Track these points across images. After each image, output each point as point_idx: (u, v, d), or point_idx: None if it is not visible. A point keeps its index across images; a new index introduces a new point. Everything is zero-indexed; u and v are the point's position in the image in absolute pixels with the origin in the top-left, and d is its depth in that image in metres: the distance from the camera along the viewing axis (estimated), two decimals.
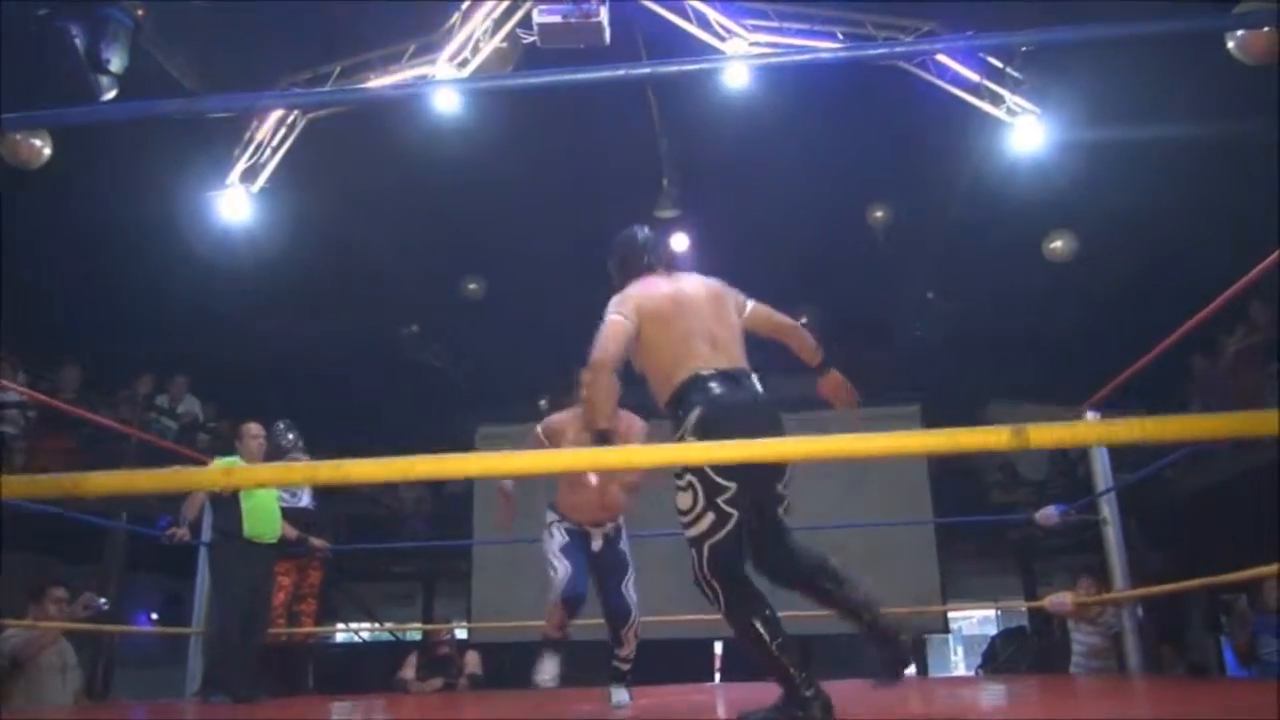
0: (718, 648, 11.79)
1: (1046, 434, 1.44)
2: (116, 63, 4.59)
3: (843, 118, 7.12)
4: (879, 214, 8.50)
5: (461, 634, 10.02)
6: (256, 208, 6.79)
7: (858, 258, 9.49)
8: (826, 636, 11.16)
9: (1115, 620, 5.70)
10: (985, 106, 6.19)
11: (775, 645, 2.82)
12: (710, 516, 3.11)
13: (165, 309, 8.32)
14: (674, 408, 3.03)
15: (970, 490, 11.89)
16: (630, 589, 4.37)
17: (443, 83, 5.89)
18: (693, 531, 3.14)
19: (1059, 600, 5.97)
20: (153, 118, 2.38)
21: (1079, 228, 8.01)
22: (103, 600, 6.01)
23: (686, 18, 5.44)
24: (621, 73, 2.27)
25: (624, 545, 4.44)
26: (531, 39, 5.29)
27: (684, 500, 3.18)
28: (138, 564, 9.04)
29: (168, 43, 5.41)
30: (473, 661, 7.15)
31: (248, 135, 6.38)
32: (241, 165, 6.50)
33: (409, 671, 6.96)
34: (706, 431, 2.92)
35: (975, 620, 15.01)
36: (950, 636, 14.46)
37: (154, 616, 11.44)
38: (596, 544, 4.35)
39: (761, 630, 2.88)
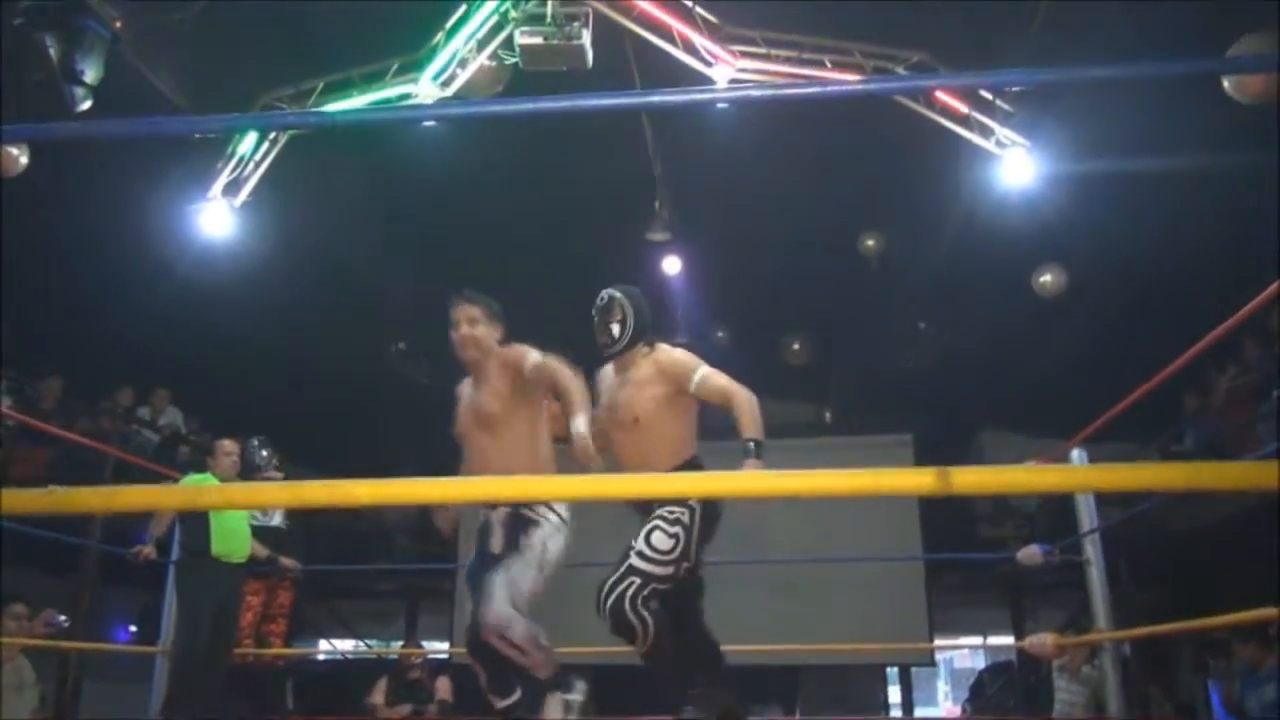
0: None
1: (971, 477, 1.36)
2: (92, 74, 4.53)
3: (834, 144, 7.08)
4: (870, 242, 8.45)
5: (443, 655, 9.91)
6: (240, 221, 6.73)
7: (849, 285, 9.44)
8: (815, 668, 11.15)
9: (1098, 674, 5.59)
10: (975, 139, 6.14)
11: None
12: (683, 565, 3.23)
13: (148, 321, 8.25)
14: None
15: (959, 521, 11.78)
16: None
17: (425, 109, 5.84)
18: (646, 567, 3.17)
19: (1039, 642, 5.88)
20: (130, 138, 2.32)
21: (1069, 261, 7.96)
22: (63, 618, 5.92)
23: (673, 43, 5.39)
24: (609, 102, 2.23)
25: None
26: (514, 60, 5.25)
27: (660, 539, 3.21)
28: (115, 576, 8.94)
29: (149, 55, 5.35)
30: (444, 687, 7.04)
31: (230, 148, 6.32)
32: (224, 179, 6.45)
33: (378, 696, 6.85)
34: (708, 515, 3.27)
35: (965, 652, 14.88)
36: (939, 669, 14.32)
37: (133, 629, 11.32)
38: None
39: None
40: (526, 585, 3.20)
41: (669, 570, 3.23)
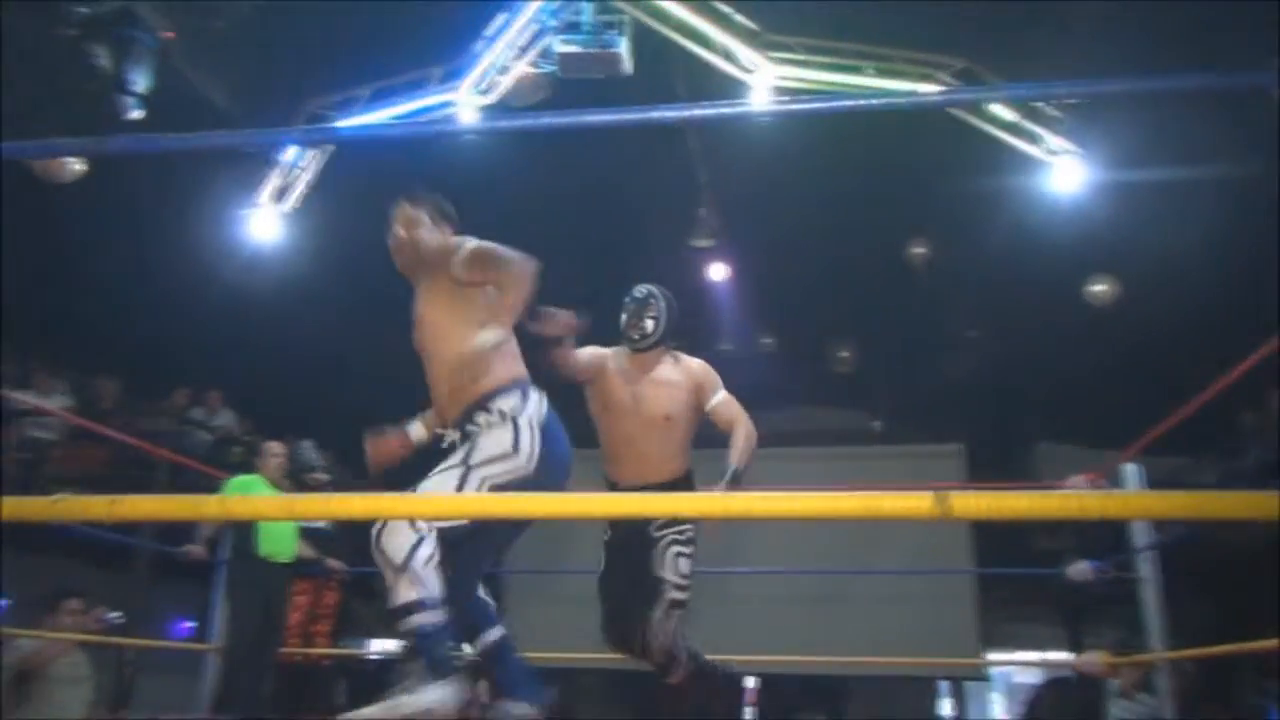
0: (750, 682, 11.59)
1: (970, 503, 1.32)
2: (141, 84, 4.65)
3: (881, 149, 6.99)
4: (919, 249, 8.33)
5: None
6: (289, 226, 6.85)
7: (896, 292, 9.32)
8: (864, 679, 11.00)
9: (1154, 702, 5.42)
10: (1023, 145, 6.02)
11: None
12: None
13: (204, 323, 8.43)
14: (685, 487, 3.41)
15: (1013, 532, 11.53)
16: None
17: (457, 128, 5.89)
18: (680, 596, 3.21)
19: (1089, 660, 5.72)
20: (178, 151, 2.37)
21: (1122, 269, 7.77)
22: (115, 614, 6.05)
23: (712, 49, 5.37)
24: (654, 115, 2.23)
25: None
26: (552, 69, 5.27)
27: (685, 565, 3.25)
28: (175, 573, 9.15)
29: (198, 64, 5.49)
30: (484, 690, 7.07)
31: (278, 154, 6.44)
32: (272, 184, 6.58)
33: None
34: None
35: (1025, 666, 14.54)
36: (993, 682, 14.03)
37: (191, 625, 11.56)
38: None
39: None
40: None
41: (690, 593, 3.31)
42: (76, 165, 5.54)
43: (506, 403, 2.70)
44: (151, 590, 8.87)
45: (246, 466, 6.33)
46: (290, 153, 6.38)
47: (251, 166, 6.49)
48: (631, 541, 3.31)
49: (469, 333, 2.75)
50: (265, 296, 7.92)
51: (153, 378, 9.32)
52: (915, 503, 1.35)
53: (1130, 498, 1.41)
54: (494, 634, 2.90)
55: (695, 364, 3.47)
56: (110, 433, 6.54)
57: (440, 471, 2.62)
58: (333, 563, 6.55)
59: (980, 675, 11.86)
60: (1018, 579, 11.17)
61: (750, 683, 11.55)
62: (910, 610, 10.45)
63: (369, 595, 10.18)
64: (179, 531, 6.42)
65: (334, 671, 9.78)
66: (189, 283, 7.93)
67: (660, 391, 3.39)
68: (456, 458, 2.66)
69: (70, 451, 8.71)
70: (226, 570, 5.82)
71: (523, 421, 2.69)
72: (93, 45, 4.46)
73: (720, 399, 3.40)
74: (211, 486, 5.66)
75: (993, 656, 11.54)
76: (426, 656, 2.58)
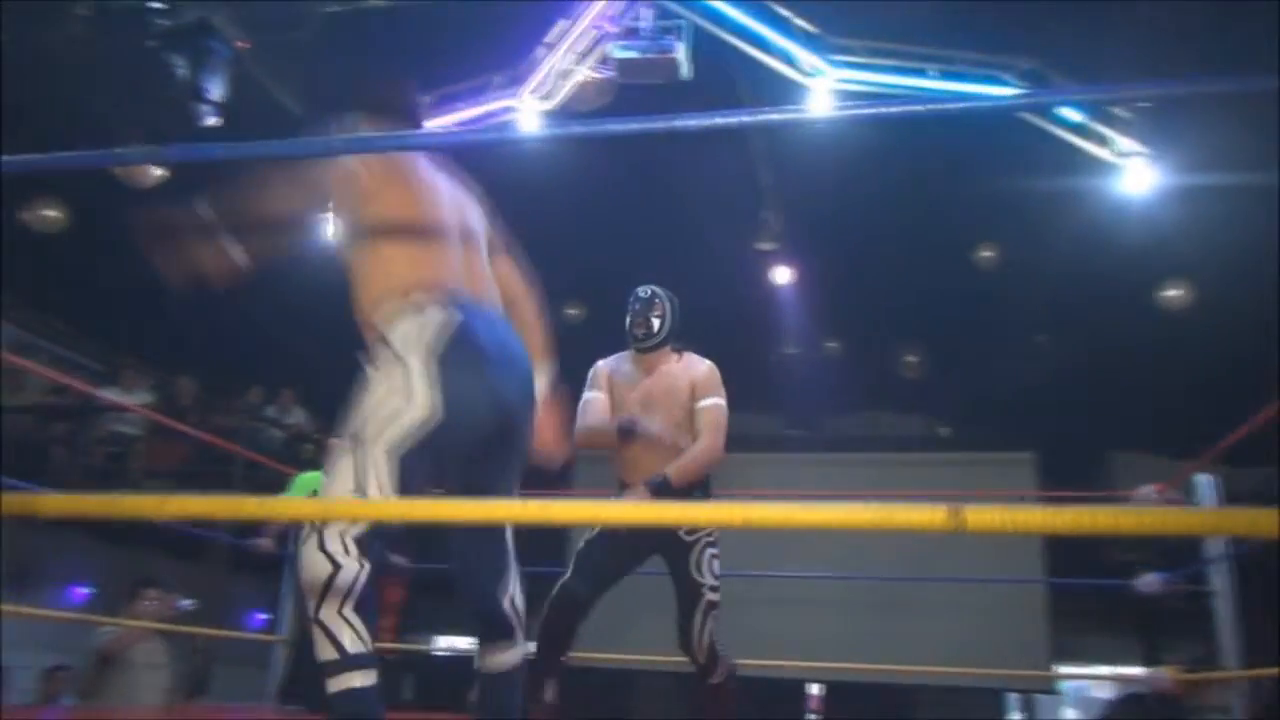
0: (814, 689, 11.52)
1: (984, 517, 1.30)
2: (217, 91, 4.84)
3: (946, 151, 6.92)
4: (985, 254, 8.20)
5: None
6: None
7: (964, 297, 9.18)
8: (929, 689, 10.85)
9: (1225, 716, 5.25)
10: (1091, 148, 5.89)
11: None
12: None
13: (276, 325, 8.69)
14: (701, 491, 3.33)
15: (1086, 542, 11.26)
16: None
17: (512, 136, 5.97)
18: (715, 597, 3.24)
19: (1157, 677, 5.57)
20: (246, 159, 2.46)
21: (1197, 273, 7.55)
22: (187, 601, 6.26)
23: (771, 53, 5.37)
24: (712, 121, 2.16)
25: None
26: (610, 74, 5.33)
27: (717, 566, 3.26)
28: (246, 564, 9.44)
29: (274, 73, 5.67)
30: (550, 690, 7.14)
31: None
32: None
33: (476, 695, 7.01)
34: None
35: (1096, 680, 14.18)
36: (1063, 697, 13.71)
37: (264, 617, 11.89)
38: None
39: None
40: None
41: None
42: (156, 170, 5.78)
43: (394, 332, 2.14)
44: (227, 582, 9.17)
45: (316, 463, 6.51)
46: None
47: None
48: (641, 544, 3.29)
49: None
50: (335, 298, 8.10)
51: (229, 377, 9.63)
52: (929, 515, 1.33)
53: (1144, 514, 1.38)
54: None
55: (700, 364, 3.43)
56: (189, 429, 6.78)
57: (335, 458, 2.08)
58: (397, 558, 6.69)
59: (1051, 688, 11.59)
60: (1092, 591, 10.92)
61: (815, 689, 11.49)
62: (979, 619, 10.30)
63: (434, 592, 10.37)
64: (253, 526, 6.63)
65: (400, 666, 9.99)
66: (263, 285, 8.16)
67: (667, 397, 3.36)
68: (345, 431, 2.11)
69: (153, 447, 9.05)
70: (294, 565, 5.97)
71: (411, 356, 2.09)
72: (172, 55, 4.65)
73: (709, 403, 3.32)
74: (284, 482, 5.82)
75: (1064, 670, 11.31)
76: None
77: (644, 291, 3.48)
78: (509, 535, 2.29)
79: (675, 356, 3.44)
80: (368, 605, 2.07)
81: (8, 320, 10.17)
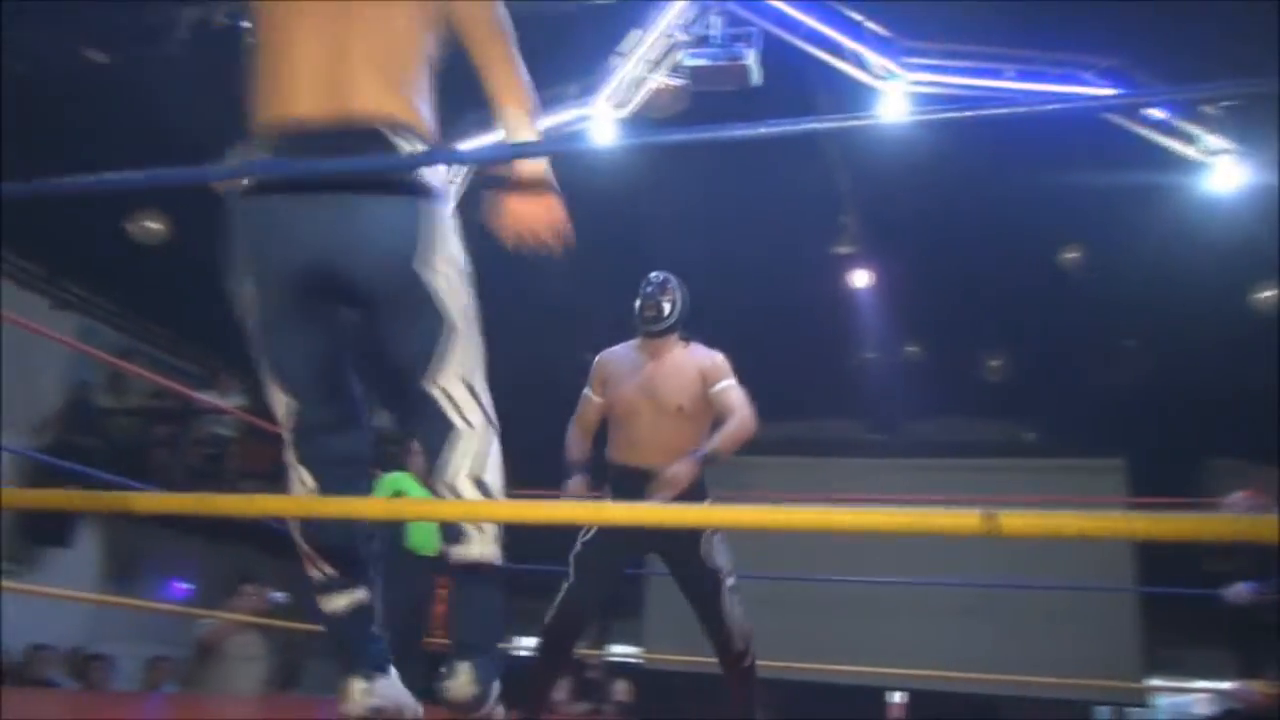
0: (895, 697, 11.38)
1: (1020, 521, 1.31)
2: None
3: (1026, 152, 6.81)
4: (1070, 256, 8.03)
5: (630, 660, 10.18)
6: None
7: (1049, 300, 9.00)
8: (1014, 700, 10.62)
9: None
10: (1177, 146, 5.74)
11: None
12: None
13: None
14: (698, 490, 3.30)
15: (1181, 551, 10.88)
16: None
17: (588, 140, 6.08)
18: (734, 581, 3.26)
19: (1245, 691, 5.39)
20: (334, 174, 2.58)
21: None
22: (280, 595, 6.50)
23: (843, 58, 5.38)
24: (788, 128, 2.10)
25: None
26: (683, 82, 5.40)
27: (726, 548, 3.30)
28: None
29: None
30: (623, 690, 7.27)
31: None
32: None
33: (560, 694, 7.16)
34: None
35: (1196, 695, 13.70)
36: (1157, 712, 13.29)
37: None
38: None
39: None
40: None
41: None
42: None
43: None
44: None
45: (400, 463, 6.71)
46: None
47: None
48: (644, 540, 3.31)
49: None
50: None
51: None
52: (963, 520, 1.34)
53: (1185, 521, 1.37)
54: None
55: (710, 353, 3.41)
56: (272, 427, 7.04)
57: None
58: None
59: (1143, 702, 11.25)
60: (1187, 603, 10.56)
61: (896, 697, 11.35)
62: (1067, 629, 10.07)
63: (510, 590, 10.54)
64: None
65: None
66: None
67: (672, 382, 3.34)
68: None
69: (247, 447, 9.42)
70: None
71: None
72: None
73: (726, 385, 3.30)
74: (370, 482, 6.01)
75: (1156, 683, 10.97)
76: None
77: (656, 276, 3.48)
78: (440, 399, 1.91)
79: (681, 345, 3.44)
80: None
81: (112, 327, 10.70)
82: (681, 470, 3.06)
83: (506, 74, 2.02)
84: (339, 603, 2.10)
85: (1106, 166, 6.49)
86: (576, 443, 3.52)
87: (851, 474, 11.41)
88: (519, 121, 1.99)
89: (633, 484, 3.28)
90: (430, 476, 1.93)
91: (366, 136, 1.82)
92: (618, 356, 3.51)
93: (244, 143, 1.93)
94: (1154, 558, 10.01)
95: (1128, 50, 5.39)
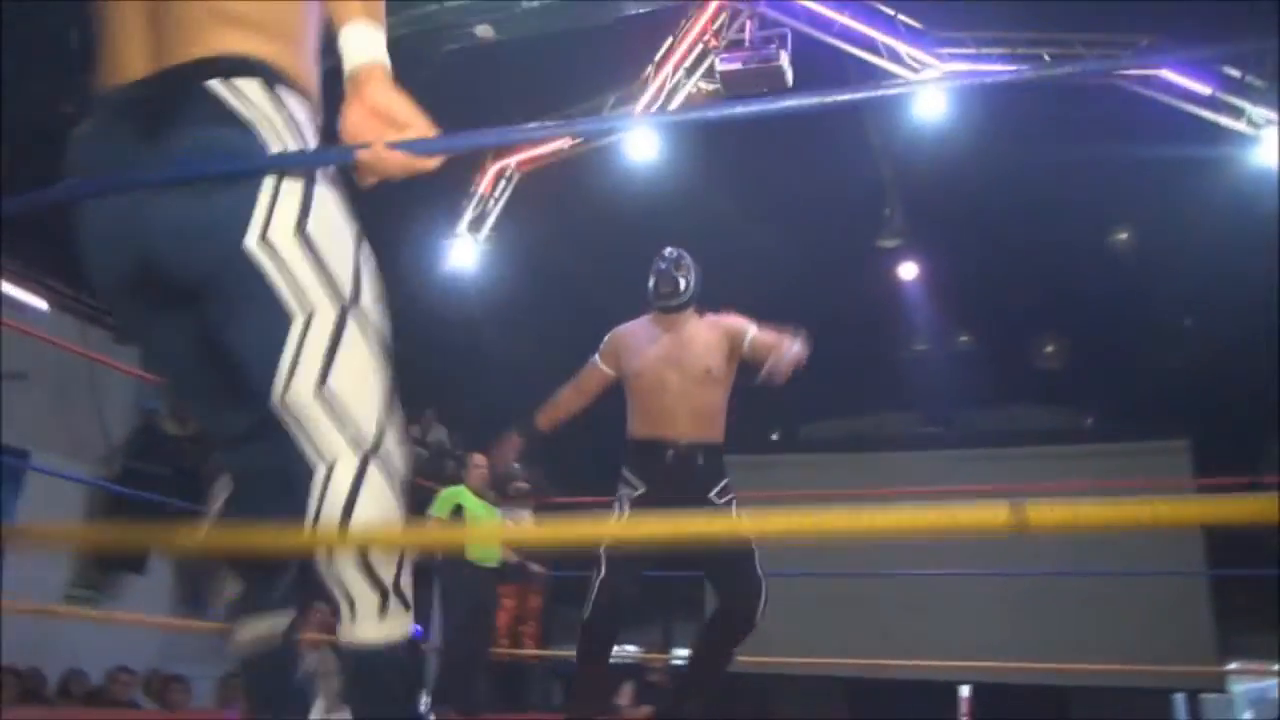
0: (964, 691, 11.27)
1: (1047, 513, 1.31)
2: None
3: (1070, 136, 6.73)
4: (1122, 237, 7.91)
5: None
6: (485, 252, 7.34)
7: (1102, 283, 8.86)
8: (1087, 690, 10.45)
9: None
10: (1223, 120, 5.63)
11: None
12: None
13: (417, 347, 9.09)
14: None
15: (1249, 534, 10.61)
16: None
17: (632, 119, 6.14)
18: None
19: None
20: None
21: None
22: None
23: (877, 53, 5.37)
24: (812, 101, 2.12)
25: None
26: (716, 88, 5.44)
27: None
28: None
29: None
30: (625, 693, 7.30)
31: (472, 188, 6.92)
32: (469, 215, 7.07)
33: (624, 698, 7.21)
34: None
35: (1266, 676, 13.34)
36: (1233, 697, 12.98)
37: (418, 627, 12.39)
38: None
39: None
40: None
41: None
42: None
43: None
44: None
45: (457, 478, 6.81)
46: (485, 184, 6.87)
47: (447, 198, 7.00)
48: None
49: None
50: (470, 320, 8.45)
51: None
52: (990, 514, 1.34)
53: (1209, 503, 1.37)
54: None
55: (720, 317, 3.39)
56: None
57: None
58: (535, 567, 6.93)
59: (1220, 687, 10.99)
60: (1261, 584, 10.32)
61: (964, 691, 11.22)
62: (1136, 614, 9.88)
63: (571, 600, 10.63)
64: None
65: (548, 673, 10.27)
66: (402, 311, 8.58)
67: (697, 347, 3.32)
68: None
69: None
70: (440, 574, 6.27)
71: None
72: None
73: (755, 332, 3.28)
74: (429, 497, 6.12)
75: (1234, 667, 10.72)
76: None
77: (671, 252, 3.45)
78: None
79: (697, 317, 3.42)
80: None
81: None
82: (796, 349, 3.07)
83: None
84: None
85: (1153, 144, 6.39)
86: (562, 404, 3.51)
87: (910, 467, 11.30)
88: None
89: (658, 458, 3.25)
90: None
91: (189, 84, 1.42)
92: (633, 331, 3.48)
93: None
94: (1225, 540, 9.80)
95: (1162, 27, 5.31)
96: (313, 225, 1.43)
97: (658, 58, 5.70)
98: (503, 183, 6.95)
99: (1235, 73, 5.42)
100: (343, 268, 1.46)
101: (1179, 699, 11.13)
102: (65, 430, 9.44)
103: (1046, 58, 5.44)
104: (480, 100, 6.30)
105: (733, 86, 5.26)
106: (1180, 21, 5.05)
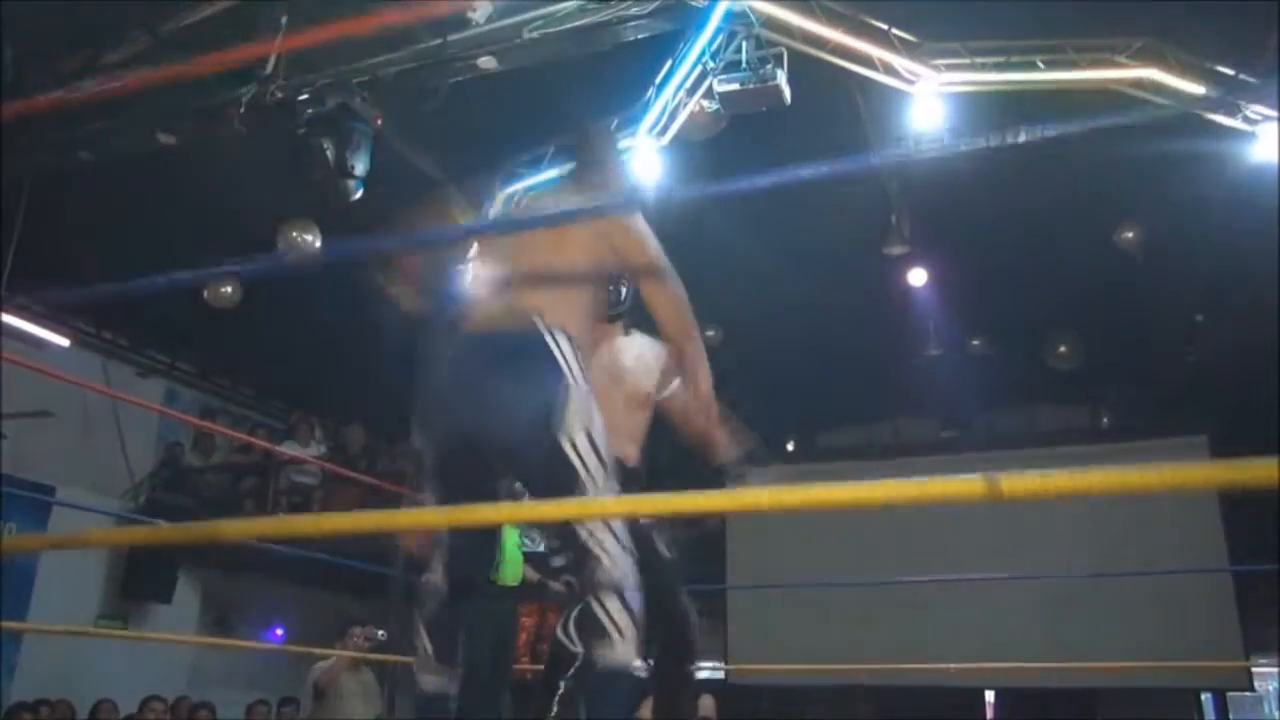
0: (989, 695, 11.25)
1: (1019, 484, 1.37)
2: (360, 167, 5.29)
3: (1073, 139, 6.75)
4: (1129, 235, 7.93)
5: (715, 675, 10.22)
6: None
7: (1112, 281, 8.87)
8: (1113, 691, 10.40)
9: None
10: (1219, 118, 5.67)
11: None
12: None
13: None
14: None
15: (1272, 524, 10.56)
16: None
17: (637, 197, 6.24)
18: None
19: None
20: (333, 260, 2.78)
21: None
22: (381, 633, 6.74)
23: (873, 67, 5.44)
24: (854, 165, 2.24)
25: None
26: (715, 108, 5.52)
27: None
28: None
29: (409, 139, 6.15)
30: (707, 705, 7.31)
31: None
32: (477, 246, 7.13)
33: (645, 711, 7.23)
34: None
35: None
36: (1270, 695, 12.86)
37: None
38: None
39: None
40: None
41: None
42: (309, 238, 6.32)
43: None
44: (409, 618, 9.71)
45: None
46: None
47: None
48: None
49: None
50: None
51: (391, 423, 10.24)
52: (967, 486, 1.39)
53: (1185, 470, 1.43)
54: None
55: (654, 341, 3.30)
56: (359, 476, 7.33)
57: None
58: (555, 585, 6.98)
59: (1247, 685, 10.91)
60: None
61: (990, 696, 11.19)
62: (1161, 613, 9.84)
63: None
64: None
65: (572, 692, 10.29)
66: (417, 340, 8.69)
67: (636, 368, 3.31)
68: None
69: (330, 493, 9.74)
70: (464, 595, 6.33)
71: None
72: (319, 139, 5.13)
73: (673, 389, 3.26)
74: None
75: (1262, 663, 10.63)
76: None
77: None
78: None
79: (624, 334, 3.41)
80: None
81: (196, 389, 11.15)
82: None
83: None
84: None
85: (1153, 141, 6.43)
86: None
87: (929, 472, 11.23)
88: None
89: None
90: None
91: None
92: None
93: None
94: (1245, 532, 9.76)
95: (1155, 27, 5.36)
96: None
97: (658, 80, 5.80)
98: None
99: (1226, 70, 5.46)
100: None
101: (1207, 699, 11.06)
102: (90, 465, 9.62)
103: (1041, 64, 5.50)
104: (486, 130, 6.42)
105: (732, 106, 5.35)
106: (1174, 23, 5.11)
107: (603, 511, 2.28)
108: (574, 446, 2.32)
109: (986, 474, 1.37)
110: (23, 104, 4.85)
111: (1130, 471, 1.36)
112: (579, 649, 3.13)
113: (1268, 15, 4.84)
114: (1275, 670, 11.35)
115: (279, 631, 11.02)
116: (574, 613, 3.18)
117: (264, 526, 2.32)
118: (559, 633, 3.29)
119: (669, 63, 5.66)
